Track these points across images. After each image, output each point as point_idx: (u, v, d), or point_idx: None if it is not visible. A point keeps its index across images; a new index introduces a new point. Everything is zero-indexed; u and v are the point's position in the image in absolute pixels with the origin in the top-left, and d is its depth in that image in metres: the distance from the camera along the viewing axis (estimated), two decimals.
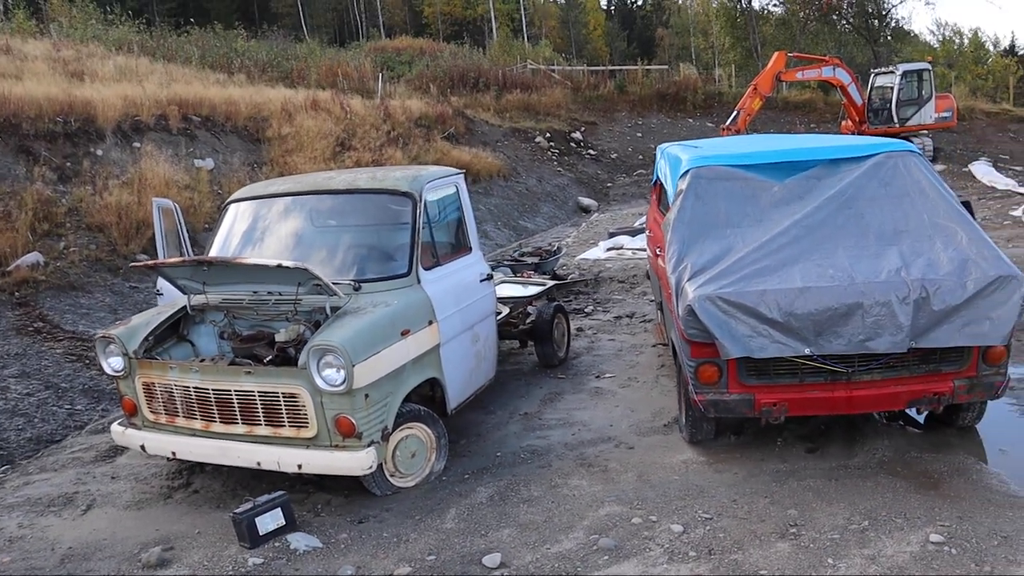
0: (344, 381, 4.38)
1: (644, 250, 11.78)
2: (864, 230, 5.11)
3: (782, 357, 4.62)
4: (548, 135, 24.66)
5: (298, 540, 4.32)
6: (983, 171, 21.17)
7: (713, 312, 4.60)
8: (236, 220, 5.75)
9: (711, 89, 32.17)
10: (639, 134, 27.73)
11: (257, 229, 5.62)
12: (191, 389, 4.82)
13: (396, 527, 4.54)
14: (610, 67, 34.93)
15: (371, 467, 4.52)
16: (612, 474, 5.07)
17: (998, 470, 4.77)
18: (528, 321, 7.39)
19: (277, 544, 4.33)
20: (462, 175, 5.91)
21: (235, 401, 4.71)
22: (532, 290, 7.87)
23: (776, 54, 22.38)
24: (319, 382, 4.43)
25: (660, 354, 7.50)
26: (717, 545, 4.11)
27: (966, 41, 59.92)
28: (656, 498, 4.67)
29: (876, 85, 23.46)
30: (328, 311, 4.79)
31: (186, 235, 6.04)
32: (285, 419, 4.62)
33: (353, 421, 4.47)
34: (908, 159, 5.60)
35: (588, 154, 25.21)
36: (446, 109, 21.94)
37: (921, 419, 5.54)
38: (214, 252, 5.67)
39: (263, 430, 4.70)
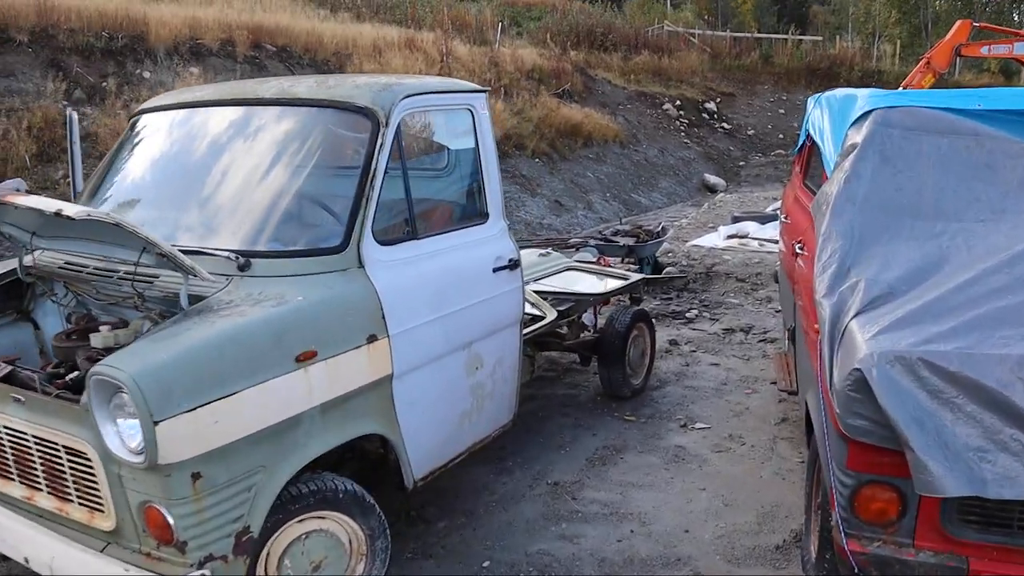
0: (143, 447, 2.26)
1: (775, 242, 9.17)
2: None
3: None
4: (678, 103, 21.86)
5: None
6: None
7: (909, 391, 2.19)
8: (137, 138, 3.71)
9: (869, 66, 28.29)
10: (781, 111, 24.46)
11: (152, 153, 3.57)
12: None
13: None
14: (756, 35, 31.35)
15: None
16: None
17: None
18: (589, 332, 5.10)
19: None
20: (484, 96, 3.63)
21: (6, 445, 2.69)
22: (606, 286, 5.53)
23: (959, 23, 18.68)
24: (109, 441, 2.34)
25: (782, 399, 5.07)
26: None
27: None
28: None
29: None
30: (184, 301, 2.67)
31: (78, 154, 4.12)
32: (72, 491, 2.56)
33: (168, 519, 2.34)
34: None
35: (721, 128, 22.26)
36: (564, 64, 19.53)
37: None
38: (98, 180, 3.68)
39: (46, 501, 2.66)
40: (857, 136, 3.16)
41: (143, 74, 11.14)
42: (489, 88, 3.74)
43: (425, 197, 3.47)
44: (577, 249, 7.83)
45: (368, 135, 3.02)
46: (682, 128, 20.90)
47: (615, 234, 8.71)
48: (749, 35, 30.83)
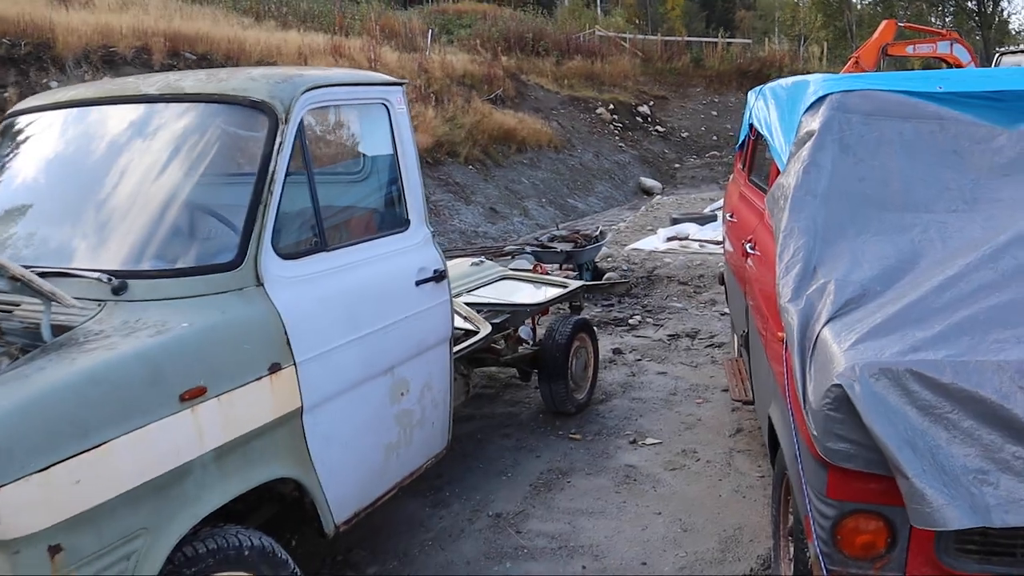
0: None
1: (716, 243, 9.01)
2: None
3: None
4: (611, 107, 21.78)
5: None
6: None
7: (898, 409, 1.90)
8: (7, 144, 3.23)
9: (798, 68, 28.72)
10: (714, 112, 24.61)
11: (22, 160, 3.09)
12: None
13: None
14: (687, 38, 31.59)
15: None
16: None
17: None
18: (528, 345, 4.77)
19: None
20: (401, 89, 3.27)
21: None
22: (545, 294, 5.20)
23: (885, 22, 19.07)
24: None
25: (735, 408, 4.80)
26: None
27: None
28: None
29: (1002, 66, 19.95)
30: (46, 334, 2.23)
31: None
32: None
33: None
34: None
35: (655, 131, 22.25)
36: (496, 70, 19.25)
37: None
38: None
39: None
40: (813, 123, 2.88)
41: (49, 84, 10.45)
42: (407, 80, 3.39)
43: (335, 203, 3.09)
44: (513, 257, 7.49)
45: (265, 133, 2.63)
46: (616, 132, 20.82)
47: (552, 240, 8.39)
48: (680, 39, 31.02)
